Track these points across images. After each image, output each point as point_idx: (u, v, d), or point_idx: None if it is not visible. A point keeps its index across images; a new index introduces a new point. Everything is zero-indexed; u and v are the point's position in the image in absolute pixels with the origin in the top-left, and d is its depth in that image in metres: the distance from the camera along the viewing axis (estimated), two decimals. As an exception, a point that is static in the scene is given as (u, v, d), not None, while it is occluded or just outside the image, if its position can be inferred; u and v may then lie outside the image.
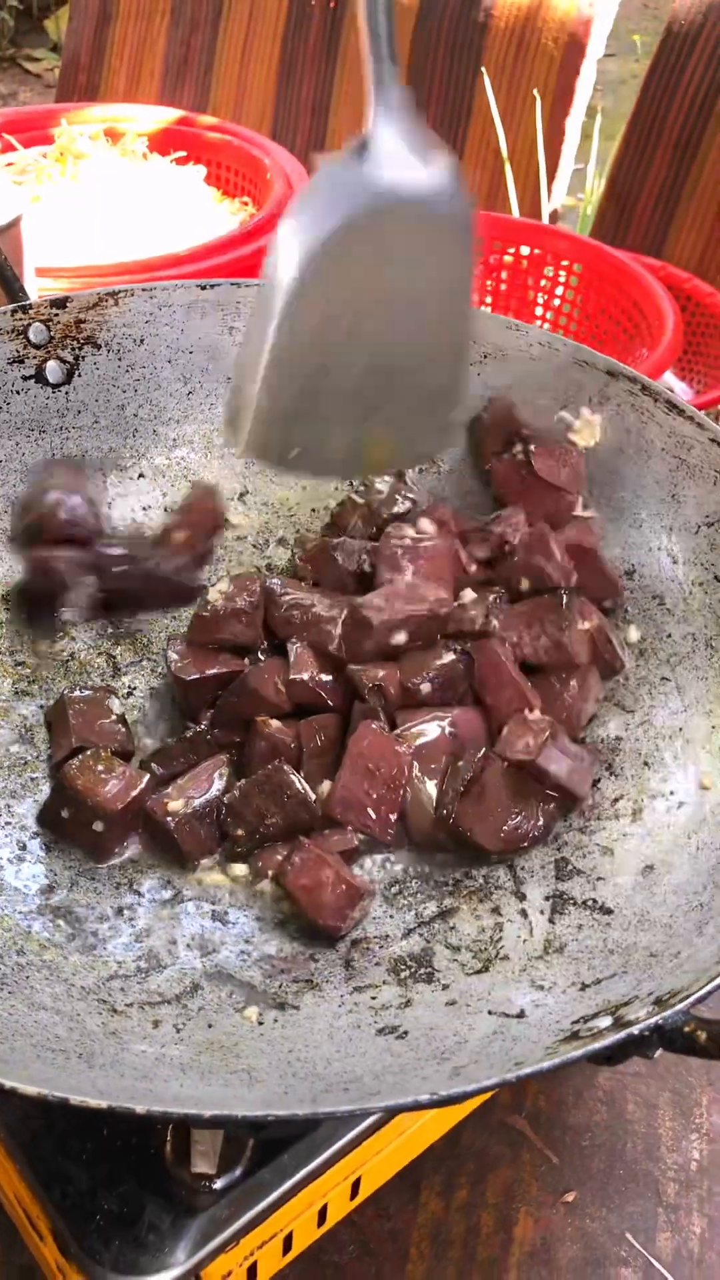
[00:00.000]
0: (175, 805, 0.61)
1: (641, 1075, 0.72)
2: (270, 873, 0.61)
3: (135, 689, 0.72)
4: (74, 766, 0.62)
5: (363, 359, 0.57)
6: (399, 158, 0.54)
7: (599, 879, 0.59)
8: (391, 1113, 0.41)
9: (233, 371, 0.63)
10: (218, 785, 0.63)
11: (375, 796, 0.61)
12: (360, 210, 0.54)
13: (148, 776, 0.63)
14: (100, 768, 0.63)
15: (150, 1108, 0.39)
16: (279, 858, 0.61)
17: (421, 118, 0.55)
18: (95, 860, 0.62)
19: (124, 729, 0.67)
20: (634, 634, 0.70)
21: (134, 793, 0.62)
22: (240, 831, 0.62)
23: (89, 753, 0.63)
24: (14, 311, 0.75)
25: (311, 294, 0.54)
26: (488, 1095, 0.65)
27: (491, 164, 1.96)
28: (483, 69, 1.79)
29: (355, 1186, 0.59)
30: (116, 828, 0.62)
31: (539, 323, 1.41)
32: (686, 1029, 0.42)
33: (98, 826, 0.61)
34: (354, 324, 0.56)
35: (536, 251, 1.39)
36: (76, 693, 0.68)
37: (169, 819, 0.61)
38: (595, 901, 0.58)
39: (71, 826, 0.62)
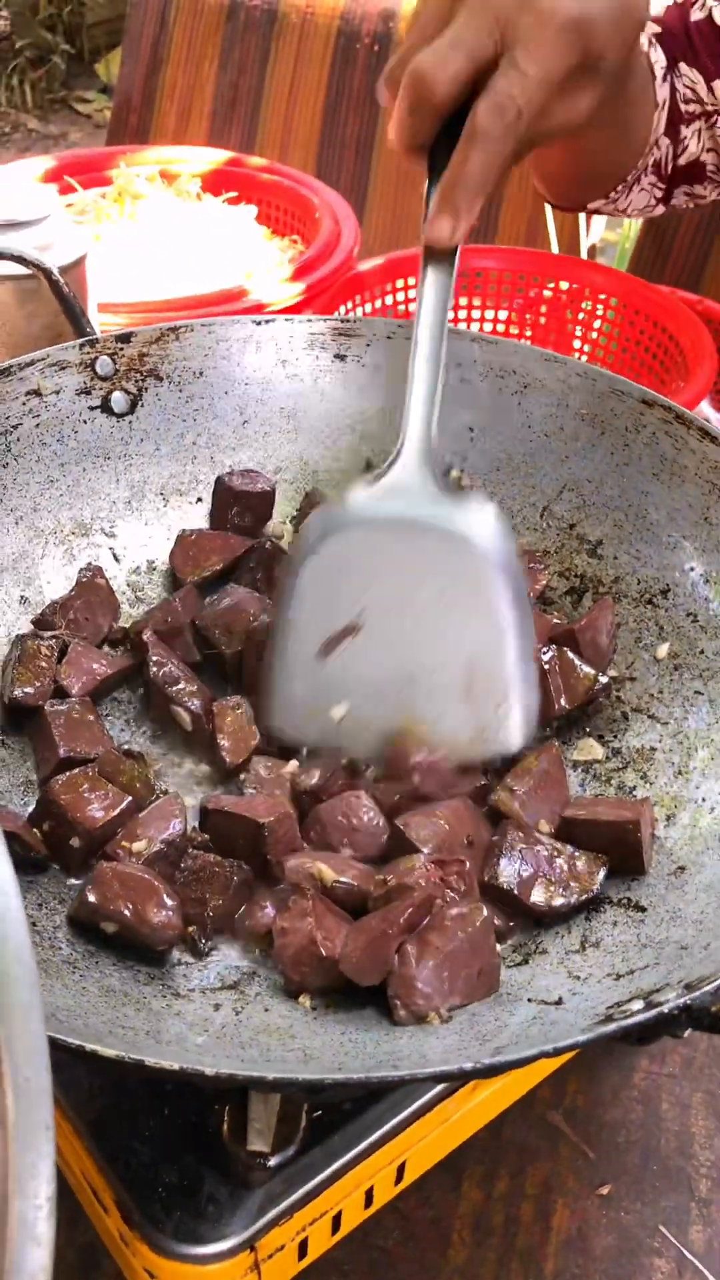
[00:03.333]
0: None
1: (675, 1076, 0.74)
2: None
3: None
4: (59, 783, 0.63)
5: (382, 654, 0.65)
6: (417, 491, 0.65)
7: (633, 880, 0.63)
8: (438, 1079, 0.45)
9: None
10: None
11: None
12: (364, 524, 0.65)
13: (129, 799, 0.64)
14: (85, 786, 0.64)
15: (219, 1070, 0.43)
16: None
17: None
18: (66, 873, 0.63)
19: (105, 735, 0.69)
20: (663, 650, 0.73)
21: (114, 813, 0.63)
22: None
23: (76, 771, 0.65)
24: (82, 346, 0.80)
25: (318, 575, 0.65)
26: (528, 1089, 0.68)
27: (530, 205, 2.01)
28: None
29: (400, 1171, 0.62)
30: (93, 846, 0.63)
31: (577, 355, 1.45)
32: (713, 1008, 0.46)
33: (74, 843, 0.62)
34: (363, 611, 0.65)
35: (574, 286, 1.43)
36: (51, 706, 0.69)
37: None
38: (630, 900, 0.61)
39: (50, 839, 0.63)
